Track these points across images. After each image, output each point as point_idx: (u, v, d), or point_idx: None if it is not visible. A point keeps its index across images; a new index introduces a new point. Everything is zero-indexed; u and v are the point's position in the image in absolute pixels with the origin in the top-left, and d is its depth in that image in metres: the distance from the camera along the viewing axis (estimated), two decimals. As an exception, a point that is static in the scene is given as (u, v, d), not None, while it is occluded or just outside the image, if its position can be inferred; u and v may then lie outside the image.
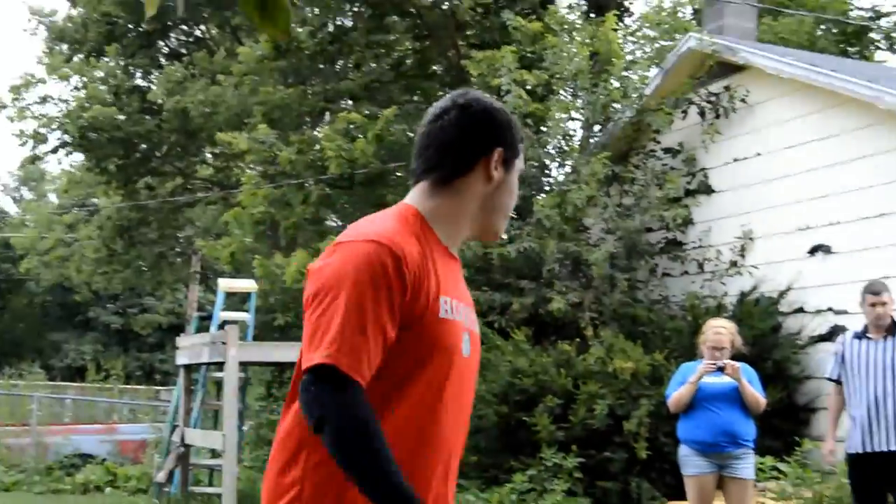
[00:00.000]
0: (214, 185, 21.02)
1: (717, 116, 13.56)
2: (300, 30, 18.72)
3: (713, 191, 13.64)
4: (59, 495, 15.88)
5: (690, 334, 11.35)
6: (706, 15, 15.10)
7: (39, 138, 24.51)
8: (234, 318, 13.76)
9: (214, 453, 14.33)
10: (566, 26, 14.67)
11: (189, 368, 14.14)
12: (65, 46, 25.03)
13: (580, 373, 11.73)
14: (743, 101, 13.28)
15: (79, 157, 26.32)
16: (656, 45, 15.35)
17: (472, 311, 2.73)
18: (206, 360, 13.02)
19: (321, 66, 19.56)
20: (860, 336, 7.72)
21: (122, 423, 22.05)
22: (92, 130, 22.38)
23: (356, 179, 15.92)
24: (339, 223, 17.97)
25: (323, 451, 2.39)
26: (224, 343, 12.23)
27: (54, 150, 24.97)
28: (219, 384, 14.17)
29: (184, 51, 25.67)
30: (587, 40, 14.21)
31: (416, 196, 2.68)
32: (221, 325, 13.32)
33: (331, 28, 20.04)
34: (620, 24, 16.30)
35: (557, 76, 13.90)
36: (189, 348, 13.61)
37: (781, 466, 9.74)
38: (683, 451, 7.82)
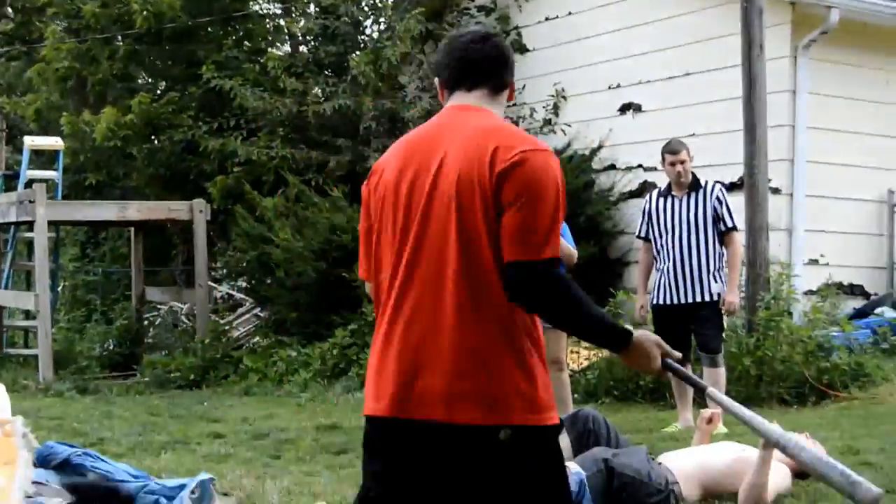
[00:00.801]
0: (16, 40, 20.06)
1: (531, -26, 13.61)
2: None
3: (527, 49, 13.76)
4: None
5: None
6: None
7: None
8: (42, 177, 13.33)
9: (29, 314, 14.04)
10: None
11: (-3, 228, 13.72)
12: None
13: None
14: (558, -42, 13.34)
15: None
16: None
17: None
18: (13, 219, 12.65)
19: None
20: (664, 194, 7.98)
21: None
22: None
23: (164, 35, 15.43)
24: (149, 80, 17.46)
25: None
26: (32, 202, 11.88)
27: None
28: (30, 244, 13.80)
29: None
30: None
31: (483, 102, 3.14)
32: (29, 184, 12.90)
33: None
34: None
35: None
36: (-5, 207, 13.18)
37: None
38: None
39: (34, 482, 4.38)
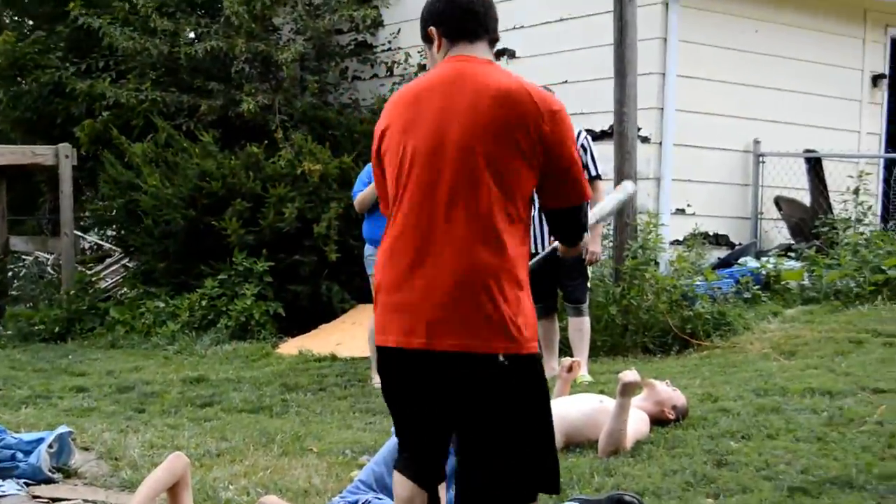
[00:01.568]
0: None
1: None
2: None
3: (402, -8, 13.62)
4: None
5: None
6: None
7: None
8: None
9: None
10: None
11: None
12: None
13: (269, 176, 11.69)
14: None
15: None
16: None
17: None
18: None
19: None
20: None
21: None
22: None
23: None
24: (15, 18, 16.86)
25: None
26: None
27: None
28: None
29: None
30: None
31: (486, 54, 3.43)
32: None
33: None
34: None
35: None
36: None
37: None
38: (368, 251, 7.99)
39: None
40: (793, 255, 11.08)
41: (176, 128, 12.71)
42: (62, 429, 5.81)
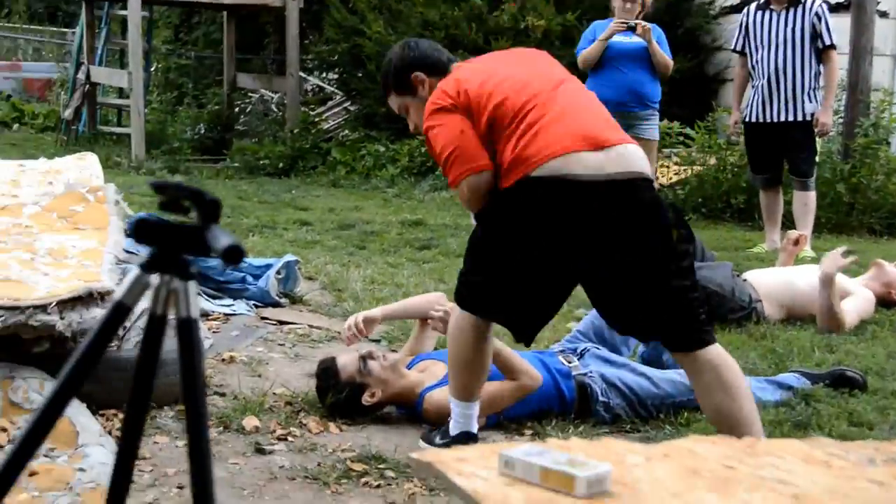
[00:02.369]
0: None
1: None
2: None
3: None
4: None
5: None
6: None
7: None
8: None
9: (122, 94, 14.17)
10: None
11: (91, 4, 13.71)
12: None
13: (492, 29, 11.63)
14: None
15: None
16: None
17: None
18: (108, -7, 12.63)
19: None
20: (763, 6, 7.69)
21: (27, 61, 21.54)
22: None
23: None
24: None
25: None
26: (128, -23, 11.83)
27: None
28: (123, 22, 13.81)
29: None
30: None
31: None
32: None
33: None
34: None
35: None
36: (92, -19, 13.15)
37: (690, 132, 9.91)
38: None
39: (125, 250, 4.47)
40: None
41: (401, -25, 12.74)
42: (289, 257, 6.02)
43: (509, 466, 1.70)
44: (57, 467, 3.15)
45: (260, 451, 3.68)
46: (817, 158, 7.87)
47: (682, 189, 9.61)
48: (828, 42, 7.47)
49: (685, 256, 3.43)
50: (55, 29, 25.82)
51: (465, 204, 3.57)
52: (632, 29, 7.42)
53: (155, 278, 1.83)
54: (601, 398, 4.08)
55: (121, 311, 1.87)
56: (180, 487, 3.30)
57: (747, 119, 7.75)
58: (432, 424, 3.93)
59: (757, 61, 7.66)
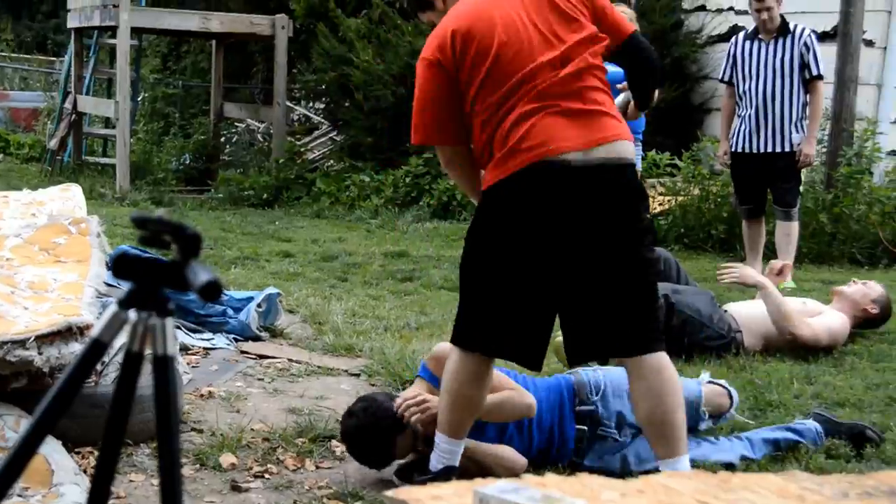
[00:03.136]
0: None
1: None
2: None
3: None
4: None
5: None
6: None
7: None
8: (126, -18, 13.26)
9: (108, 123, 14.18)
10: None
11: (80, 33, 13.74)
12: None
13: (479, 58, 11.65)
14: None
15: None
16: None
17: None
18: (97, 23, 12.65)
19: None
20: (751, 37, 7.74)
21: (14, 90, 21.53)
22: None
23: None
24: None
25: None
26: (115, 6, 11.86)
27: None
28: (112, 52, 13.84)
29: None
30: None
31: None
32: (113, -11, 12.87)
33: None
34: None
35: None
36: (80, 10, 13.16)
37: (678, 163, 9.94)
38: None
39: (106, 283, 4.47)
40: None
41: (389, 4, 12.81)
42: (270, 290, 6.02)
43: (484, 503, 1.70)
44: (31, 507, 3.14)
45: (236, 488, 3.67)
46: (801, 188, 7.92)
47: (664, 220, 9.64)
48: (815, 72, 7.52)
49: (653, 250, 3.51)
50: (43, 58, 25.86)
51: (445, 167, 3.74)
52: (615, 55, 7.40)
53: (133, 314, 1.84)
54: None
55: (98, 348, 1.87)
56: (155, 526, 3.29)
57: (734, 149, 7.78)
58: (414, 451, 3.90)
59: (744, 91, 7.70)
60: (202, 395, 4.66)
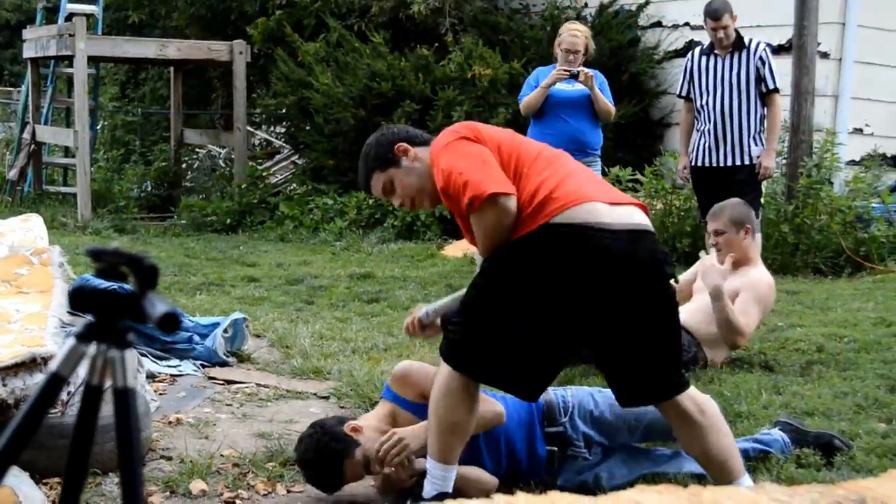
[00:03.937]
0: None
1: None
2: None
3: None
4: None
5: (549, 43, 11.36)
6: None
7: None
8: (82, 11, 13.19)
9: (68, 152, 14.09)
10: None
11: (37, 63, 13.65)
12: None
13: (438, 78, 11.71)
14: None
15: None
16: None
17: None
18: (53, 53, 12.57)
19: None
20: (707, 52, 7.79)
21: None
22: None
23: None
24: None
25: None
26: (72, 35, 11.79)
27: None
28: (70, 81, 13.77)
29: None
30: None
31: None
32: (69, 18, 12.80)
33: None
34: None
35: None
36: (35, 40, 13.09)
37: (640, 177, 9.98)
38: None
39: (70, 312, 4.43)
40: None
41: (347, 28, 12.83)
42: (236, 315, 5.99)
43: (456, 524, 1.69)
44: (-1, 539, 3.10)
45: (207, 515, 3.64)
46: (762, 200, 7.96)
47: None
48: (772, 86, 7.57)
49: (676, 304, 3.53)
50: (1, 89, 25.70)
51: (492, 233, 3.36)
52: (574, 77, 7.44)
53: (91, 347, 1.82)
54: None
55: (57, 382, 1.86)
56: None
57: (694, 164, 7.82)
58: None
59: (702, 106, 7.74)
60: (170, 423, 4.62)
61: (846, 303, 7.40)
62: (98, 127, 15.32)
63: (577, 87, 7.51)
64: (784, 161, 9.34)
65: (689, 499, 1.93)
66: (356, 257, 9.80)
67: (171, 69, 14.19)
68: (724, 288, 5.46)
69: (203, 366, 5.63)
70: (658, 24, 12.43)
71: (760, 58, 7.57)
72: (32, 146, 13.40)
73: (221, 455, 4.20)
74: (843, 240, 8.86)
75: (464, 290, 3.65)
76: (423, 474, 3.63)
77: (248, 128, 13.98)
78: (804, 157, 9.29)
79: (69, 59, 12.65)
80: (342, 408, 4.93)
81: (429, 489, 3.59)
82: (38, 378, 3.56)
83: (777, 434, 4.25)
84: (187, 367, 5.59)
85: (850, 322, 6.68)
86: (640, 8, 12.44)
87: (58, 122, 14.92)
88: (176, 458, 4.16)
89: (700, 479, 3.76)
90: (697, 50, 7.91)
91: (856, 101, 10.78)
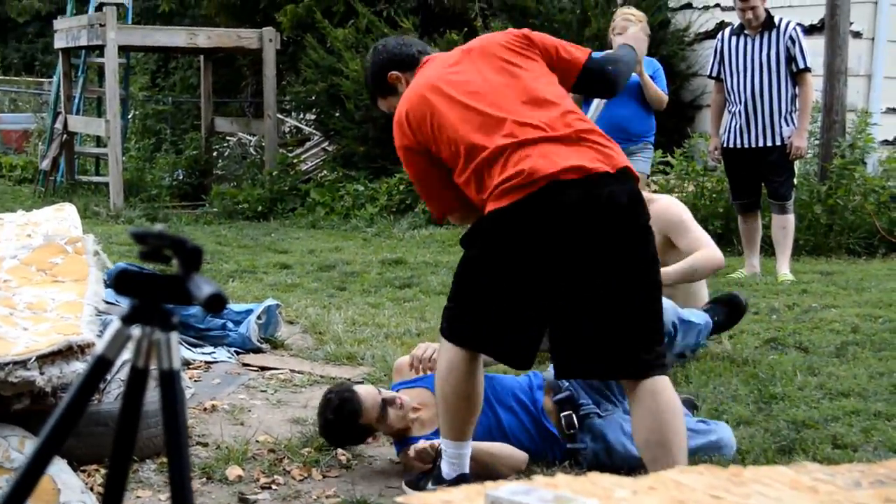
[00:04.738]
0: None
1: None
2: None
3: None
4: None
5: (579, 26, 11.34)
6: None
7: None
8: (111, 0, 13.26)
9: (100, 142, 14.17)
10: None
11: (68, 53, 13.74)
12: None
13: (468, 64, 11.67)
14: None
15: None
16: None
17: None
18: (84, 43, 12.63)
19: None
20: (737, 32, 7.74)
21: (3, 112, 21.52)
22: None
23: None
24: None
25: None
26: (102, 25, 11.84)
27: None
28: (100, 71, 13.83)
29: None
30: None
31: None
32: (99, 8, 12.86)
33: None
34: None
35: None
36: (66, 31, 13.16)
37: (670, 160, 9.93)
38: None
39: (105, 301, 4.46)
40: None
41: (376, 14, 12.81)
42: (269, 301, 6.01)
43: (495, 506, 1.69)
44: (38, 528, 3.13)
45: (244, 500, 3.66)
46: (795, 181, 7.92)
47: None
48: (802, 65, 7.52)
49: (653, 271, 3.41)
50: (32, 79, 25.84)
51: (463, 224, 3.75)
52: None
53: (136, 330, 1.83)
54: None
55: (102, 365, 1.86)
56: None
57: (726, 145, 7.78)
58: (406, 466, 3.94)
59: (733, 86, 7.70)
60: (205, 409, 4.65)
61: (881, 283, 7.35)
62: (129, 116, 15.39)
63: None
64: (817, 142, 9.27)
65: (730, 478, 1.93)
66: (387, 243, 9.81)
67: (201, 58, 14.23)
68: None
69: (237, 352, 5.66)
70: (688, 5, 12.35)
71: (791, 37, 7.51)
72: (64, 136, 13.47)
73: (257, 441, 4.23)
74: (877, 220, 8.80)
75: None
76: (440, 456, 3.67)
77: (279, 115, 14.00)
78: (837, 138, 9.22)
79: (100, 49, 12.71)
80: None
81: (447, 470, 3.61)
82: (75, 366, 3.58)
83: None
84: (221, 353, 5.61)
85: (885, 302, 6.64)
86: (670, -10, 12.37)
87: (89, 112, 15.00)
88: (212, 444, 4.19)
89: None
90: (727, 30, 7.86)
91: (889, 80, 10.68)
